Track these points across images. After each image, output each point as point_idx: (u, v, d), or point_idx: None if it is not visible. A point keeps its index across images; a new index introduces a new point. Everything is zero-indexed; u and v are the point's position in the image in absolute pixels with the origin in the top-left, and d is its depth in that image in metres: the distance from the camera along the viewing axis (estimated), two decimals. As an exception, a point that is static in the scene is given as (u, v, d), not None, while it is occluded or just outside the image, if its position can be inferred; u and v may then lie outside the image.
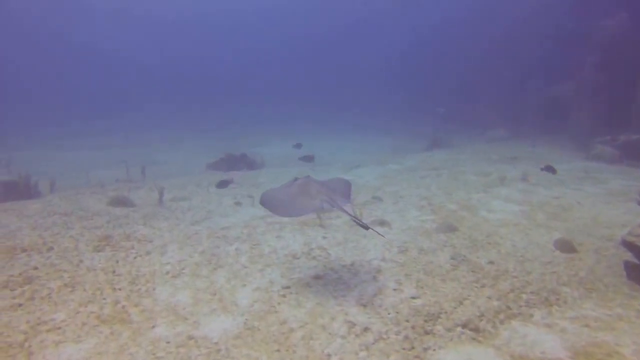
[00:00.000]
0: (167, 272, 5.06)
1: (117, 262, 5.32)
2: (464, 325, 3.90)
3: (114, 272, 5.02)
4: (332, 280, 4.84)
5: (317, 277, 4.92)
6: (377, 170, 11.92)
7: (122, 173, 12.11)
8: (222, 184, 8.78)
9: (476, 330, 3.82)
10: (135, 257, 5.49)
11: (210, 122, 31.17)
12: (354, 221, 4.33)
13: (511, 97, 21.26)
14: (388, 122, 27.82)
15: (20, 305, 4.20)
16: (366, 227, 4.20)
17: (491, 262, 5.25)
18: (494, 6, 23.70)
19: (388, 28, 42.27)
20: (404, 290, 4.59)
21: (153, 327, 3.90)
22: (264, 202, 4.46)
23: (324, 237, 6.28)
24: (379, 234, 5.05)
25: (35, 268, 5.02)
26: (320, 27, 52.86)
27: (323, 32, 52.50)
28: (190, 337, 3.73)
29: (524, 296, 4.39)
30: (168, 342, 3.65)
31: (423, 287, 4.64)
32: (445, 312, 4.12)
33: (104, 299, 4.38)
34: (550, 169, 8.17)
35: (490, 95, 22.71)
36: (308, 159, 10.95)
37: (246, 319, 4.05)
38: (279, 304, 4.34)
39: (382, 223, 6.81)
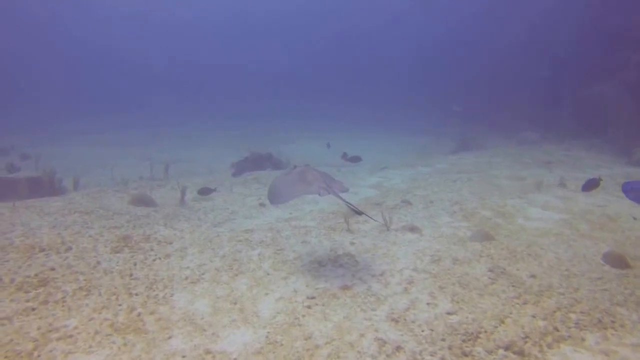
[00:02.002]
0: (186, 278, 4.81)
1: (135, 264, 5.11)
2: (507, 348, 3.52)
3: (131, 275, 4.80)
4: (360, 292, 4.51)
5: (344, 288, 4.59)
6: (405, 172, 11.51)
7: (146, 170, 12.03)
8: (204, 192, 8.39)
9: (521, 354, 3.44)
10: (154, 260, 5.26)
11: (234, 119, 31.11)
12: (348, 207, 4.52)
13: (542, 98, 20.47)
14: (413, 121, 27.22)
15: (33, 309, 4.01)
16: (360, 213, 4.40)
17: (533, 276, 4.83)
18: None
19: (413, 26, 41.69)
20: (438, 305, 4.23)
21: (169, 338, 3.65)
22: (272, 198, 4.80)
23: (352, 243, 5.95)
24: (374, 219, 5.66)
25: (52, 269, 4.84)
26: (343, 26, 52.56)
27: (347, 32, 52.19)
28: (208, 352, 3.46)
29: (573, 316, 3.97)
30: (184, 357, 3.38)
31: (459, 302, 4.27)
32: (485, 332, 3.74)
33: (119, 305, 4.16)
34: (592, 184, 7.09)
35: (518, 95, 21.91)
36: (355, 159, 10.54)
37: (268, 332, 3.76)
38: (303, 316, 4.04)
39: (413, 229, 6.44)
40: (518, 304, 4.21)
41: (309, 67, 53.19)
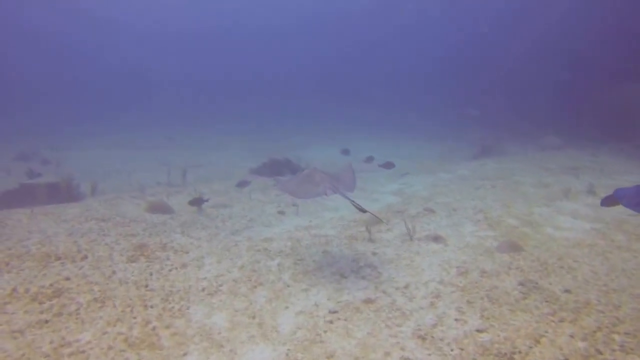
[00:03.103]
0: (203, 289, 4.65)
1: (151, 274, 4.96)
2: (545, 371, 3.27)
3: (146, 286, 4.66)
4: (384, 306, 4.29)
5: (367, 301, 4.38)
6: (426, 179, 11.24)
7: (163, 175, 11.97)
8: (196, 202, 8.03)
9: (561, 378, 3.19)
10: (170, 270, 5.12)
11: (249, 123, 31.00)
12: (353, 204, 4.59)
13: (563, 101, 19.90)
14: (430, 126, 26.74)
15: (46, 322, 3.89)
16: (364, 211, 4.49)
17: (568, 291, 4.54)
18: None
19: (430, 30, 41.36)
20: (467, 321, 3.98)
21: (184, 354, 3.48)
22: (283, 189, 5.24)
23: (374, 254, 5.73)
24: (378, 217, 5.52)
25: (67, 279, 4.73)
26: (361, 30, 52.47)
27: (365, 35, 52.08)
28: (226, 371, 3.28)
29: (617, 337, 3.68)
30: (200, 376, 3.21)
31: (489, 319, 4.02)
32: (520, 352, 3.50)
33: (134, 317, 4.01)
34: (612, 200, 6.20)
35: (538, 98, 21.34)
36: (388, 165, 10.32)
37: (288, 350, 3.57)
38: (325, 332, 3.84)
39: (437, 239, 6.19)
40: (553, 321, 3.95)
41: (326, 70, 53.08)
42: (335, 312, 4.17)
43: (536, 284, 4.73)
